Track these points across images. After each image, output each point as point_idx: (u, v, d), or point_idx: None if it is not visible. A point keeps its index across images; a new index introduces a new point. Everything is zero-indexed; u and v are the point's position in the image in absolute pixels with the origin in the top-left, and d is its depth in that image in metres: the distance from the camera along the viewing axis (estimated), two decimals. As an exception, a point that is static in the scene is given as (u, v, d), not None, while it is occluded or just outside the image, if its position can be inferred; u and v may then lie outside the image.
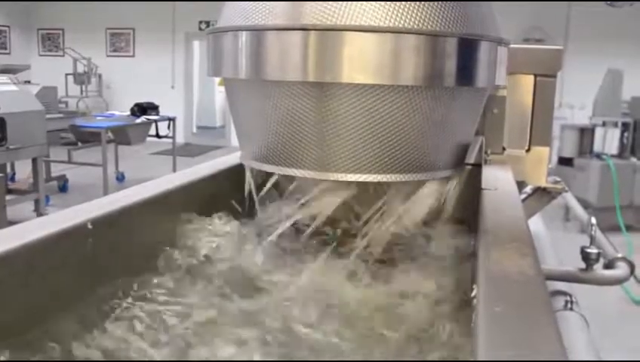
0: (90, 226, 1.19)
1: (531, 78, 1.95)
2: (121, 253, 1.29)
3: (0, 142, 5.74)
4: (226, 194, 1.72)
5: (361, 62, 1.04)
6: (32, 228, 1.12)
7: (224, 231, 1.56)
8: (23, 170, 7.21)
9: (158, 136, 9.08)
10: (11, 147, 5.84)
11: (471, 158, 1.70)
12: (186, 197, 1.56)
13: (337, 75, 1.05)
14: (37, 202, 6.48)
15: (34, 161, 6.41)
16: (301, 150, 1.17)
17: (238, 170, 1.67)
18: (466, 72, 1.10)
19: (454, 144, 1.24)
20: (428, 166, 1.20)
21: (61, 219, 1.19)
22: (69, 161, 8.29)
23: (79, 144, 8.37)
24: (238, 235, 1.57)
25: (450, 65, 1.07)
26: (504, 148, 1.95)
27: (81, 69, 13.06)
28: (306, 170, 1.19)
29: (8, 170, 7.34)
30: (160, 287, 1.31)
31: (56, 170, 8.24)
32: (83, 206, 1.28)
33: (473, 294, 0.88)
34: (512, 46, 1.31)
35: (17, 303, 1.04)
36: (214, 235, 1.54)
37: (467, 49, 1.09)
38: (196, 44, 14.00)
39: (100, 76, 13.52)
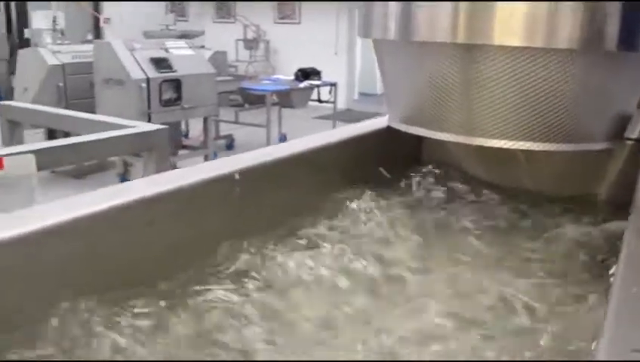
0: (237, 177, 1.26)
1: None
2: (267, 205, 1.35)
3: (175, 101, 6.23)
4: (373, 156, 1.74)
5: (513, 24, 1.00)
6: (188, 174, 1.22)
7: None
8: (195, 128, 7.76)
9: (319, 100, 9.32)
10: (185, 106, 6.32)
11: (633, 133, 1.58)
12: (335, 155, 1.60)
13: (488, 37, 1.03)
14: (206, 158, 6.97)
15: (205, 120, 6.89)
16: (447, 113, 1.16)
17: (386, 133, 1.68)
18: (629, 35, 1.02)
19: (612, 114, 1.17)
20: (581, 136, 1.14)
21: (212, 167, 1.27)
22: (236, 122, 8.80)
23: (246, 106, 8.84)
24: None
25: (612, 27, 1.00)
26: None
27: (250, 35, 13.70)
28: (451, 133, 1.18)
29: (183, 127, 7.94)
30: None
31: (224, 129, 8.78)
32: (233, 157, 1.35)
33: (611, 271, 0.84)
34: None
35: (170, 240, 1.14)
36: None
37: (632, 10, 1.01)
38: (360, 11, 14.03)
39: (267, 42, 14.08)
